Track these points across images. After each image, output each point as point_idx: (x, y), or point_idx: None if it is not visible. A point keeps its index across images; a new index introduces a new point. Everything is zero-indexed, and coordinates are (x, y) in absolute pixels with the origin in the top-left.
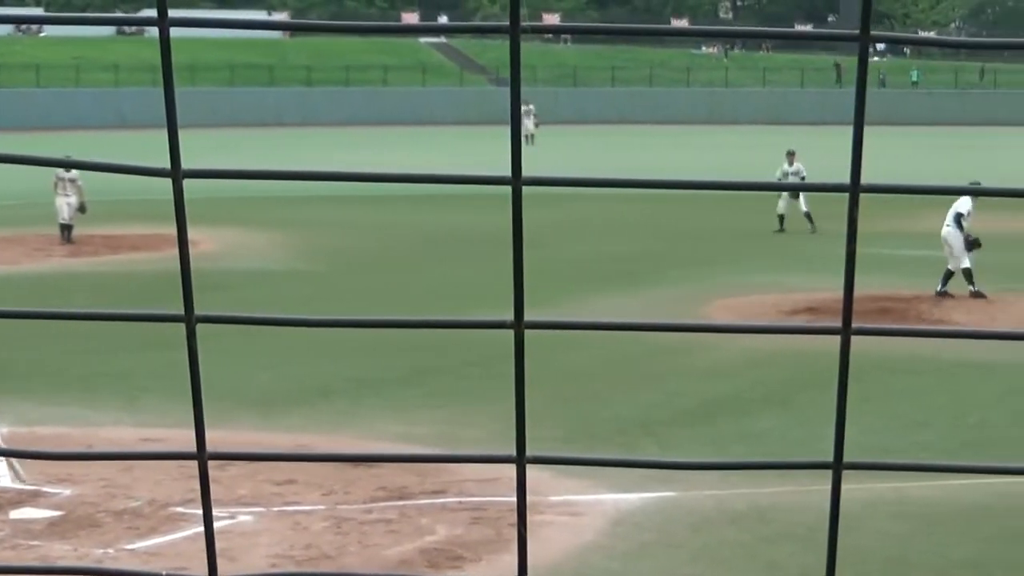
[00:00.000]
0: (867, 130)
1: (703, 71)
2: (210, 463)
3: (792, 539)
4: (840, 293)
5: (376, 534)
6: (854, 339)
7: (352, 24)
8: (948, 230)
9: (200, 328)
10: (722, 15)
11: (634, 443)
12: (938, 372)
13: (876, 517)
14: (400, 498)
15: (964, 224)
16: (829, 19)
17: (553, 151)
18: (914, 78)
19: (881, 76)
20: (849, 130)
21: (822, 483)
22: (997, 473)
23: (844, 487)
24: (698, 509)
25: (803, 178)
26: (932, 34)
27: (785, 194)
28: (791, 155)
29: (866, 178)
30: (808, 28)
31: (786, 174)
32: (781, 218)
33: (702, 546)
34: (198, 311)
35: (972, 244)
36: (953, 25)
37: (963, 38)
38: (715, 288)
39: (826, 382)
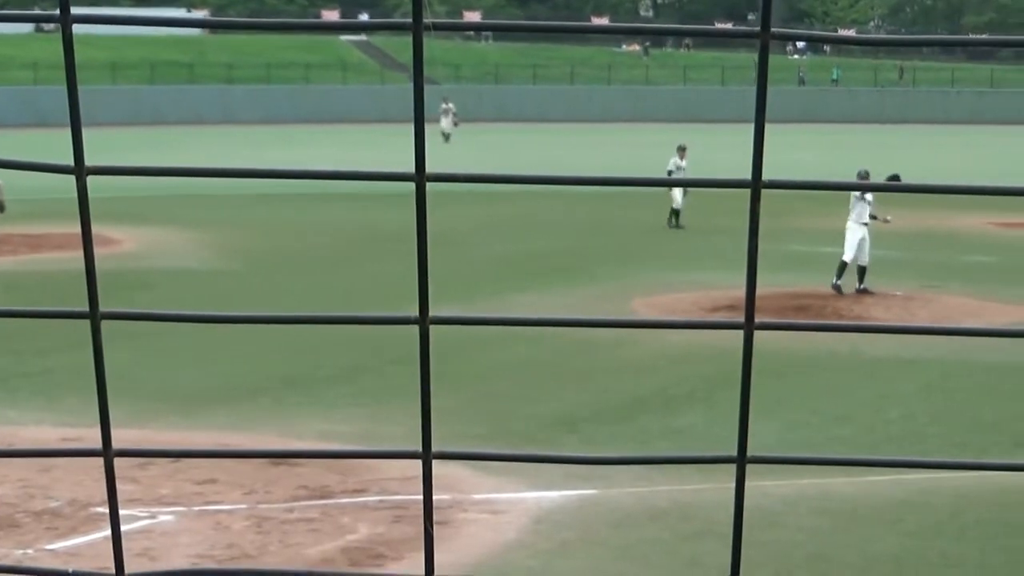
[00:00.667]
0: (788, 127)
1: (624, 69)
2: (131, 463)
3: (713, 536)
4: (761, 290)
5: (297, 533)
6: (776, 336)
7: (265, 21)
8: (849, 224)
9: (126, 328)
10: (643, 12)
11: (557, 440)
12: (859, 368)
13: (798, 513)
14: (322, 497)
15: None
16: (749, 17)
17: (473, 149)
18: (834, 76)
19: (801, 74)
20: (770, 127)
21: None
22: (901, 467)
23: (767, 483)
24: (619, 506)
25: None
26: (852, 32)
27: (678, 190)
28: (682, 150)
29: (783, 174)
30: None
31: (678, 168)
32: (673, 213)
33: (623, 544)
34: (124, 308)
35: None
36: (872, 23)
37: (869, 35)
38: (635, 286)
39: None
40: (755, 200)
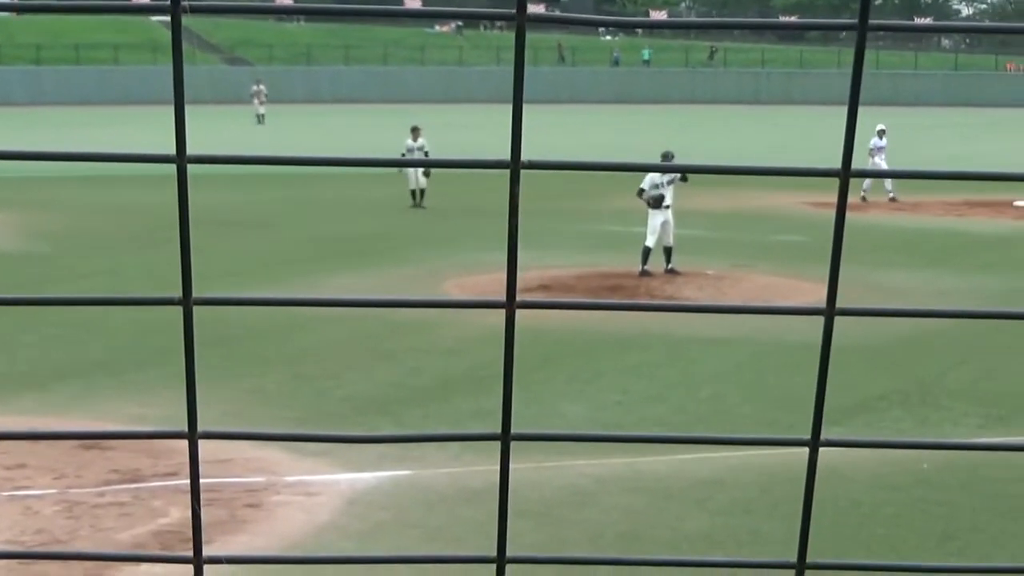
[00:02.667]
0: (598, 108)
1: (437, 50)
2: None
3: (527, 516)
4: (575, 270)
5: (109, 517)
6: (588, 316)
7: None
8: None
9: None
10: None
11: (370, 422)
12: (669, 347)
13: (610, 492)
14: (133, 481)
15: (651, 197)
16: None
17: (286, 131)
18: (646, 57)
19: (615, 55)
20: (581, 108)
21: (555, 460)
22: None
23: (579, 462)
24: (433, 487)
25: (426, 153)
26: (663, 14)
27: (414, 171)
28: (415, 131)
29: (591, 155)
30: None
31: (410, 149)
32: (413, 193)
33: (437, 524)
34: None
35: (656, 201)
36: (683, 4)
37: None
38: (448, 267)
39: (560, 359)
40: (514, 182)
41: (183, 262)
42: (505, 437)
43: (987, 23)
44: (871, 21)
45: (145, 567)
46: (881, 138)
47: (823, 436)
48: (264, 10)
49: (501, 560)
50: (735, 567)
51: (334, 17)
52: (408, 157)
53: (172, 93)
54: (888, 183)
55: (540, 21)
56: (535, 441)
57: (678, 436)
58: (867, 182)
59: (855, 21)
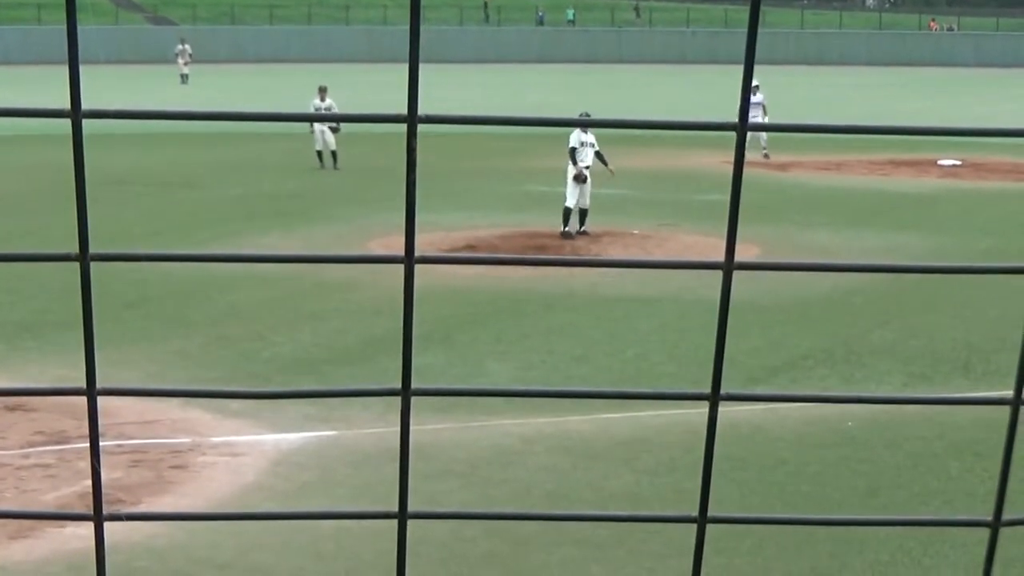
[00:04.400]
0: (524, 67)
1: (362, 9)
2: None
3: (452, 475)
4: (500, 230)
5: (33, 479)
6: (515, 276)
7: None
8: (569, 168)
9: None
10: None
11: (295, 382)
12: (595, 307)
13: (536, 452)
14: (58, 442)
15: (577, 159)
16: None
17: (209, 90)
18: (570, 16)
19: (540, 15)
20: (507, 67)
21: (481, 419)
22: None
23: (506, 422)
24: (358, 447)
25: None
26: None
27: (321, 132)
28: (323, 90)
29: (514, 114)
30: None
31: (317, 109)
32: (320, 154)
33: (363, 484)
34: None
35: (577, 179)
36: None
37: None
38: (373, 225)
39: (486, 318)
40: (411, 136)
41: (79, 218)
42: (405, 393)
43: None
44: None
45: (72, 526)
46: (755, 94)
47: (746, 392)
48: None
49: (403, 516)
50: (637, 521)
51: None
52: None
53: (97, 53)
54: (763, 139)
55: None
56: (440, 397)
57: (574, 391)
58: (763, 138)
59: None
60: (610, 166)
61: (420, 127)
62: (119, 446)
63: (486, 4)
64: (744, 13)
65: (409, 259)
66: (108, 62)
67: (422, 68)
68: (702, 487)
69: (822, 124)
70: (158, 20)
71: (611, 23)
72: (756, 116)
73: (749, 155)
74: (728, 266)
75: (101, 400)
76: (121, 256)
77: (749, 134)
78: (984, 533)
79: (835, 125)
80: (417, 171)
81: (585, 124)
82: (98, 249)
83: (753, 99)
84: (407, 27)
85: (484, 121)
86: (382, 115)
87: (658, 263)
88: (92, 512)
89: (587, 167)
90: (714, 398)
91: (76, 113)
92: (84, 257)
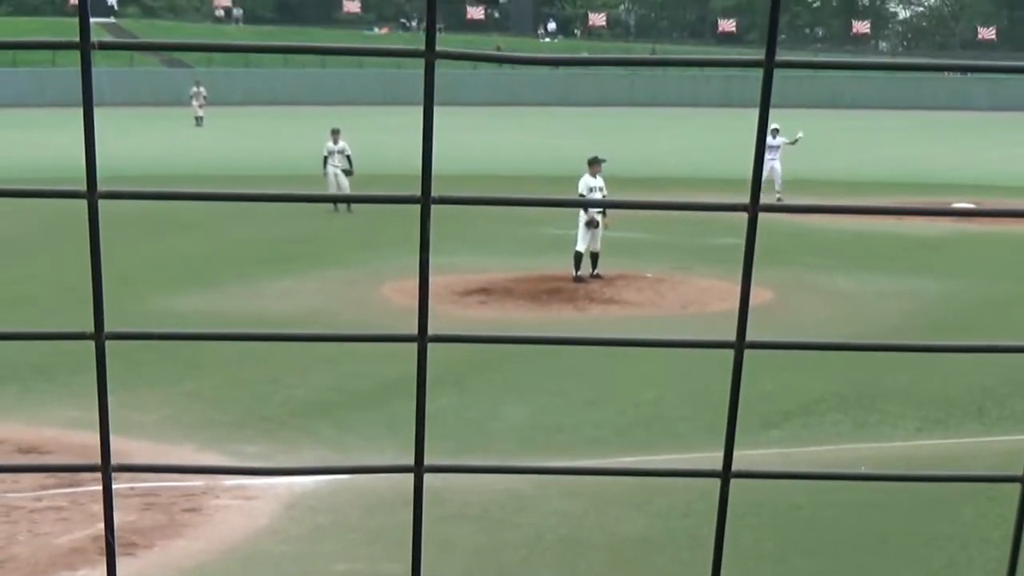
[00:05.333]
0: (541, 111)
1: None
2: None
3: (465, 519)
4: (515, 273)
5: (46, 522)
6: (528, 318)
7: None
8: (581, 214)
9: None
10: None
11: (308, 425)
12: (609, 349)
13: (549, 496)
14: (70, 485)
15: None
16: (500, 0)
17: (224, 133)
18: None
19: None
20: (521, 111)
21: (496, 464)
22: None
23: (518, 466)
24: (372, 491)
25: (348, 156)
26: (603, 16)
27: (334, 175)
28: (335, 133)
29: (537, 158)
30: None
31: (331, 152)
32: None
33: (376, 528)
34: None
35: (589, 224)
36: (622, 6)
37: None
38: (387, 270)
39: (500, 360)
40: (425, 217)
41: (95, 296)
42: (418, 469)
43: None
44: (778, 58)
45: (83, 569)
46: (774, 137)
47: (760, 436)
48: (172, 47)
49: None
50: None
51: (274, 19)
52: (329, 159)
53: (111, 96)
54: (777, 184)
55: (447, 58)
56: (453, 470)
57: (589, 468)
58: (777, 183)
59: (762, 58)
60: (607, 219)
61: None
62: (132, 489)
63: (499, 47)
64: (755, 51)
65: (422, 338)
66: (121, 104)
67: (435, 111)
68: (713, 565)
69: (835, 205)
70: (172, 63)
71: (624, 67)
72: (773, 159)
73: (762, 197)
74: (739, 345)
75: (114, 440)
76: (136, 335)
77: (765, 175)
78: None
79: (848, 206)
80: (432, 217)
81: (594, 205)
82: (111, 296)
83: (772, 142)
84: (420, 71)
85: (497, 202)
86: (396, 196)
87: (667, 343)
88: None
89: (599, 212)
90: (725, 475)
91: (92, 193)
92: (99, 336)
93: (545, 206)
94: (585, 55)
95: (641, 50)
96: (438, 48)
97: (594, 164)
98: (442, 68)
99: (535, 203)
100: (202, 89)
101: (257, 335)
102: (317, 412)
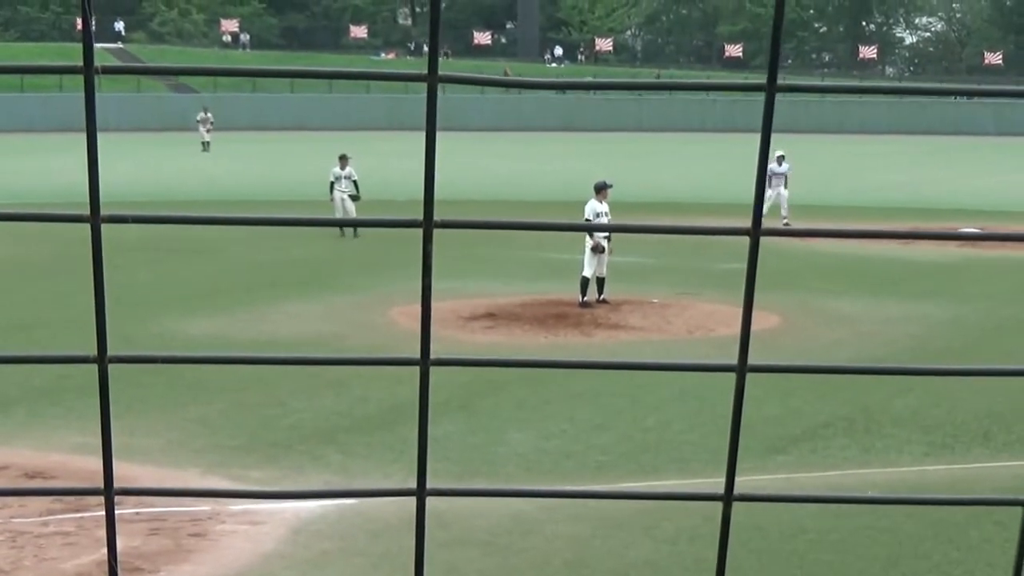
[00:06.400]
0: (548, 136)
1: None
2: None
3: (471, 544)
4: (521, 298)
5: (52, 547)
6: (535, 342)
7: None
8: (587, 239)
9: None
10: (401, 21)
11: (315, 450)
12: (615, 374)
13: (556, 520)
14: (77, 510)
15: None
16: (508, 26)
17: (232, 158)
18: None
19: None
20: (526, 136)
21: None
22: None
23: (524, 490)
24: (378, 516)
25: (355, 181)
26: (609, 42)
27: (341, 200)
28: (343, 159)
29: (541, 183)
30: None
31: (338, 177)
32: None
33: (382, 552)
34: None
35: (595, 250)
36: (629, 32)
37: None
38: (394, 293)
39: (506, 385)
40: (427, 240)
41: (98, 320)
42: (420, 493)
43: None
44: (779, 83)
45: None
46: (780, 164)
47: (766, 461)
48: (174, 71)
49: None
50: None
51: (281, 44)
52: (336, 185)
53: (118, 121)
54: (784, 209)
55: (450, 82)
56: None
57: (591, 491)
58: (784, 208)
59: (763, 83)
60: (610, 244)
61: (444, 187)
62: (137, 514)
63: (506, 71)
64: (761, 76)
65: (424, 361)
66: (127, 129)
67: (441, 136)
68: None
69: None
70: (179, 88)
71: (632, 91)
72: (779, 186)
73: (768, 222)
74: (741, 368)
75: (119, 465)
76: (139, 359)
77: (770, 199)
78: None
79: (850, 230)
80: (434, 242)
81: (597, 229)
82: (120, 320)
83: (776, 168)
84: (426, 96)
85: (499, 226)
86: (398, 220)
87: (669, 366)
88: None
89: (605, 237)
90: (727, 498)
91: (95, 217)
92: (102, 360)
93: (547, 230)
94: (589, 79)
95: (647, 75)
96: (443, 72)
97: (601, 190)
98: (449, 93)
99: (537, 227)
100: (209, 115)
101: (261, 359)
102: (324, 437)
